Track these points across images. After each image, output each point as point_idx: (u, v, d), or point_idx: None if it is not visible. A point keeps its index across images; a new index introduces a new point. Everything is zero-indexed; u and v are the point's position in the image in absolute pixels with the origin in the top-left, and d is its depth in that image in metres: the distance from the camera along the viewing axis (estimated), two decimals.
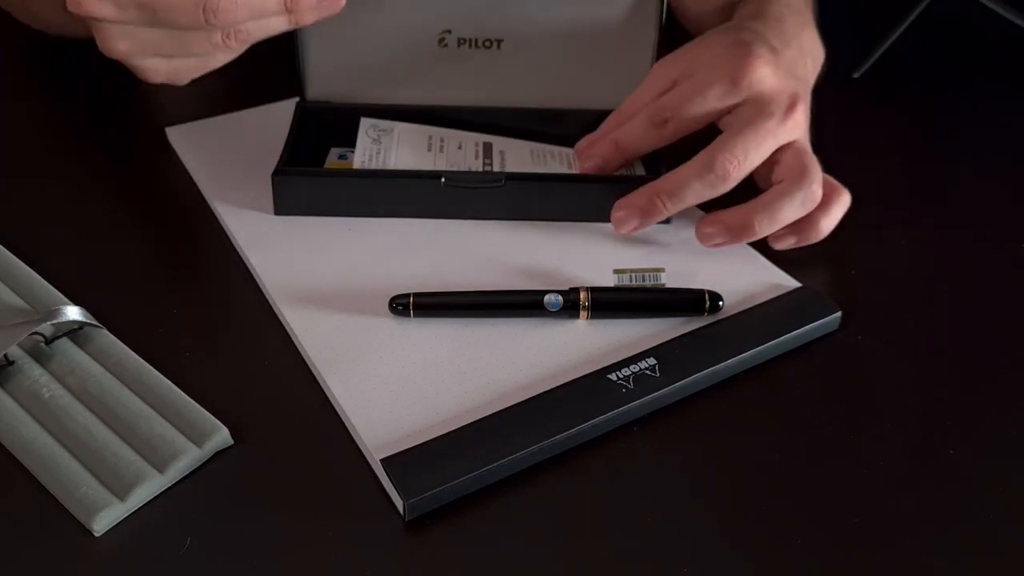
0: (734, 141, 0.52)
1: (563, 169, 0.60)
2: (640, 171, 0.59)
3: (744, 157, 0.52)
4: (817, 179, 0.53)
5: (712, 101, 0.54)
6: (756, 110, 0.53)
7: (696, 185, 0.53)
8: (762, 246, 0.55)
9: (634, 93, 0.57)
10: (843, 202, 0.55)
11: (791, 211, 0.53)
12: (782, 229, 0.54)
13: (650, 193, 0.54)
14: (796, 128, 0.54)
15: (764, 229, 0.53)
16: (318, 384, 0.47)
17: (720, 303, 0.50)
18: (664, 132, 0.55)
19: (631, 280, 0.51)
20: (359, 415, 0.44)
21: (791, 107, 0.53)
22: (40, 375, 0.46)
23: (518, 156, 0.61)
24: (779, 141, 0.53)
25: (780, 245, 0.55)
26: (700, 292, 0.50)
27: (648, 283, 0.51)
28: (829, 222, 0.55)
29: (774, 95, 0.53)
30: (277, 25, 0.51)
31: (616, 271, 0.51)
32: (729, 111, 0.54)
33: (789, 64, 0.56)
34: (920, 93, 0.76)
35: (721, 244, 0.54)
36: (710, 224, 0.54)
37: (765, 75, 0.53)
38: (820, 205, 0.55)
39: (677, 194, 0.53)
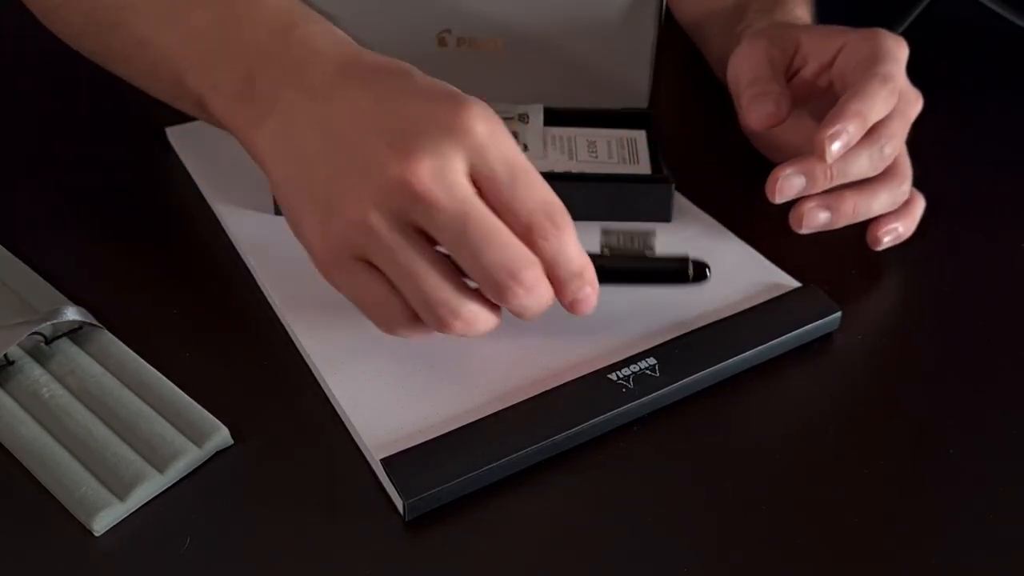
0: (894, 130, 0.52)
1: (563, 158, 0.60)
2: (646, 170, 0.59)
3: (902, 147, 0.53)
4: (909, 177, 0.54)
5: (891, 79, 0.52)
6: (908, 101, 0.53)
7: (864, 163, 0.51)
8: (763, 246, 0.55)
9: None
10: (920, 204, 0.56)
11: (887, 201, 0.53)
12: (886, 224, 0.54)
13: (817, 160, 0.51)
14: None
15: (860, 214, 0.53)
16: (318, 384, 0.47)
17: (707, 271, 0.47)
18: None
19: (618, 241, 0.47)
20: (359, 415, 0.44)
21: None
22: (40, 375, 0.46)
23: None
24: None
25: (882, 244, 0.55)
26: (684, 260, 0.47)
27: (637, 246, 0.47)
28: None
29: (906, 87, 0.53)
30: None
31: (603, 231, 0.47)
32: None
33: None
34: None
35: (820, 226, 0.52)
36: (811, 200, 0.52)
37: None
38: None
39: (844, 170, 0.51)
